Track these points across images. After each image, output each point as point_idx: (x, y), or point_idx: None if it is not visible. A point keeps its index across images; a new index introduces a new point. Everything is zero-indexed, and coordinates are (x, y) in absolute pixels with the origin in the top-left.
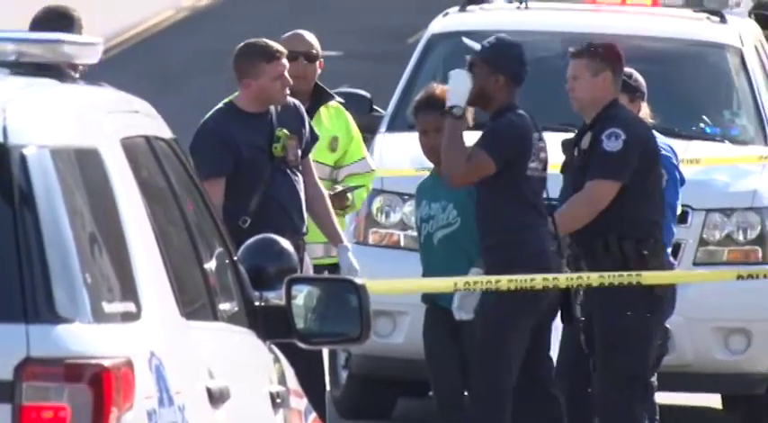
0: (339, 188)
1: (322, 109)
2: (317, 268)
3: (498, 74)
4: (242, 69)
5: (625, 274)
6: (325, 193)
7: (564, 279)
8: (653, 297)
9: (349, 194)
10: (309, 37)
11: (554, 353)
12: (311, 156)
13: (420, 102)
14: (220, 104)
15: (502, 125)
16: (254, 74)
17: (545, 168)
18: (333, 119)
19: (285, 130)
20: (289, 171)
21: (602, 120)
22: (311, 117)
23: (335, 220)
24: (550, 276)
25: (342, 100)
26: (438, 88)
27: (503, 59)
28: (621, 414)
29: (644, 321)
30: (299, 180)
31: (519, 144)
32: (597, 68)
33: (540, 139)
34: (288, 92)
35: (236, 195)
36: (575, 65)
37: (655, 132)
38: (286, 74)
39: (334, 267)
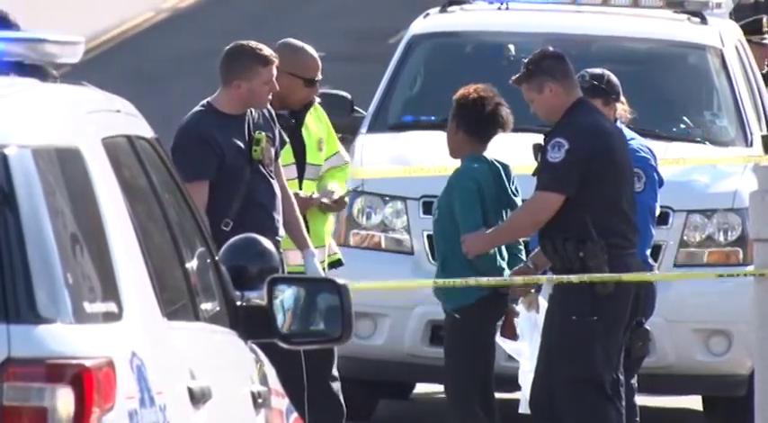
0: (335, 193)
1: (311, 111)
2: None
3: None
4: (233, 70)
5: (606, 275)
6: (293, 196)
7: (545, 278)
8: (596, 298)
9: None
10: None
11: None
12: (310, 159)
13: None
14: (198, 106)
15: None
16: (247, 76)
17: None
18: (317, 120)
19: (264, 133)
20: (266, 173)
21: (557, 127)
22: (302, 121)
23: (302, 224)
24: (532, 277)
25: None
26: (467, 88)
27: None
28: (579, 417)
29: (588, 325)
30: (275, 182)
31: None
32: (539, 85)
33: None
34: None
35: (217, 198)
36: (523, 91)
37: (633, 133)
38: (274, 79)
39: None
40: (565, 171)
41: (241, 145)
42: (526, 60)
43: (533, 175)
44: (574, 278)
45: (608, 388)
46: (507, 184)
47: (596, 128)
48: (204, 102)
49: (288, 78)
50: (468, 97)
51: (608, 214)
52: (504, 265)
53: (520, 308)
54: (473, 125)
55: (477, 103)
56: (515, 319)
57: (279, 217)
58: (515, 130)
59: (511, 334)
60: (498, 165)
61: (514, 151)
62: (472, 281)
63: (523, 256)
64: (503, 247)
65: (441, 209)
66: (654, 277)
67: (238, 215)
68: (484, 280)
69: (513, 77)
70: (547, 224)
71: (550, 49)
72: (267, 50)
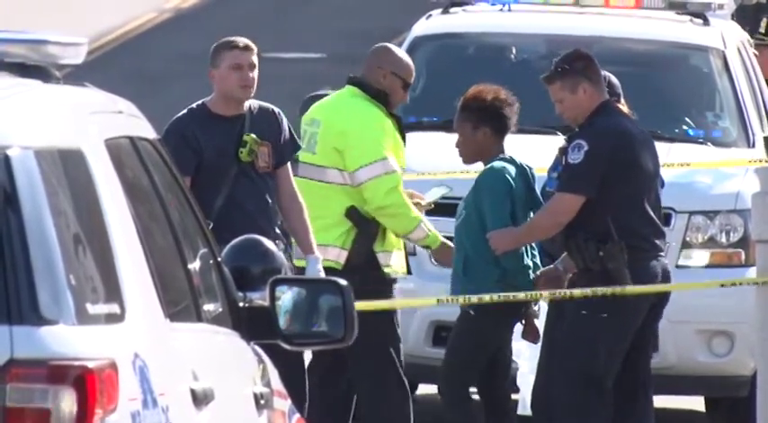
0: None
1: None
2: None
3: None
4: (211, 61)
5: (610, 288)
6: (302, 201)
7: (548, 293)
8: (610, 298)
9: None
10: None
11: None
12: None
13: None
14: (193, 105)
15: None
16: (216, 63)
17: None
18: None
19: (254, 136)
20: (257, 177)
21: (580, 129)
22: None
23: (310, 229)
24: (533, 292)
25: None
26: (479, 90)
27: None
28: (570, 410)
29: (597, 321)
30: (270, 187)
31: None
32: (574, 84)
33: None
34: (248, 89)
35: (198, 197)
36: (553, 90)
37: None
38: (251, 72)
39: None
40: (584, 172)
41: (226, 145)
42: (557, 60)
43: (557, 177)
44: (577, 292)
45: (605, 389)
46: (534, 185)
47: (617, 129)
48: (200, 101)
49: (390, 78)
50: (488, 98)
51: (629, 215)
52: (530, 263)
53: (538, 307)
54: (502, 125)
55: (497, 104)
56: (536, 321)
57: (266, 221)
58: (530, 132)
59: (533, 337)
60: (525, 166)
61: (532, 154)
62: (486, 297)
63: (538, 260)
64: (527, 247)
65: (468, 209)
66: (656, 289)
67: (218, 216)
68: (487, 298)
69: (544, 75)
70: (570, 223)
71: (582, 50)
72: (238, 39)
